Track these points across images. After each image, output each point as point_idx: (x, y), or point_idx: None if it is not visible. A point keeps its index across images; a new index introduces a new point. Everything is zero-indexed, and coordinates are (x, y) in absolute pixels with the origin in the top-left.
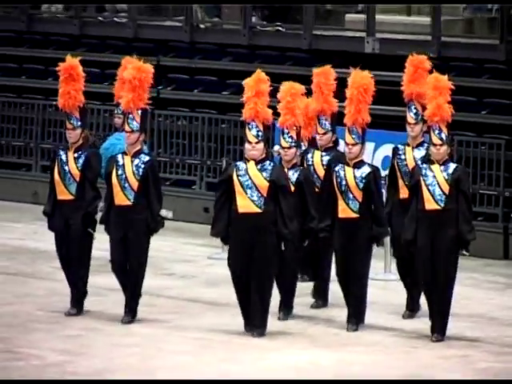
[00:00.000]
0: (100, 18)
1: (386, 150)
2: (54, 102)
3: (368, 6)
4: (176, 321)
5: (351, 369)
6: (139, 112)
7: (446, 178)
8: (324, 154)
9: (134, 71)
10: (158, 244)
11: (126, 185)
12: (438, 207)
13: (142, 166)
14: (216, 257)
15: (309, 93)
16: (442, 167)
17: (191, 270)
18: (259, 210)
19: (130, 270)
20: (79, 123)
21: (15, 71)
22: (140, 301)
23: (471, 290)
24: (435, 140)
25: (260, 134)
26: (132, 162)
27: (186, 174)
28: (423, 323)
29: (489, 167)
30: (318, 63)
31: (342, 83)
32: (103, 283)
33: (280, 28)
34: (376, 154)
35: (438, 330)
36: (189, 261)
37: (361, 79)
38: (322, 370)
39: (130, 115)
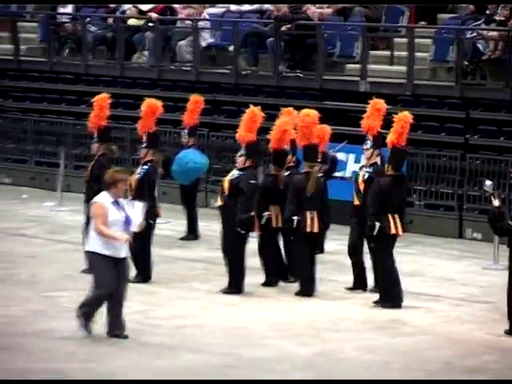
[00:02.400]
0: (172, 67)
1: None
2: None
3: (362, 58)
4: (226, 281)
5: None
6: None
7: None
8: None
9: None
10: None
11: None
12: None
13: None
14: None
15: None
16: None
17: None
18: None
19: None
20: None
21: (112, 105)
22: (202, 265)
23: (435, 260)
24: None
25: None
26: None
27: None
28: None
29: (448, 172)
30: (326, 99)
31: (342, 113)
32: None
33: (299, 74)
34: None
35: None
36: None
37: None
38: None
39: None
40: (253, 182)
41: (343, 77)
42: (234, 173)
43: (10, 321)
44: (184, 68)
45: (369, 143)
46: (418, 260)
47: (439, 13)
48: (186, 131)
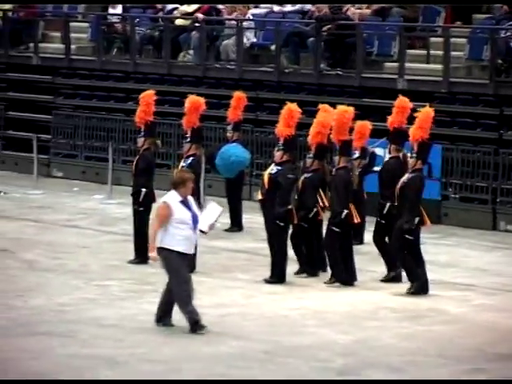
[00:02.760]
0: (217, 65)
1: None
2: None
3: (400, 56)
4: (268, 271)
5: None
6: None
7: None
8: None
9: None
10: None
11: None
12: None
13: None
14: None
15: (358, 116)
16: None
17: None
18: None
19: None
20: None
21: (159, 102)
22: (245, 256)
23: (469, 251)
24: None
25: None
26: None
27: None
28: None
29: (483, 167)
30: (365, 96)
31: (381, 110)
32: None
33: (339, 72)
34: None
35: None
36: None
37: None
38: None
39: None
40: (291, 176)
41: (381, 75)
42: (273, 167)
43: (62, 309)
44: (228, 66)
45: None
46: (453, 251)
47: (474, 13)
48: (231, 126)
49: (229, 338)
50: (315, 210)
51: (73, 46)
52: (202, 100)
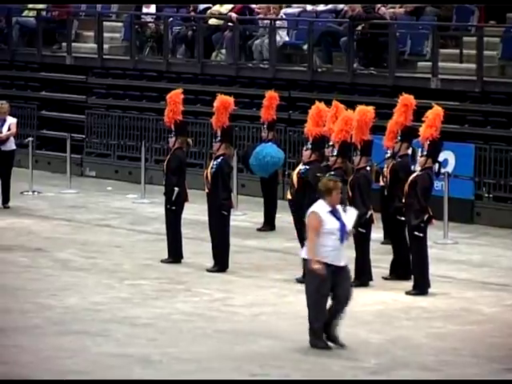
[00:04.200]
0: (250, 65)
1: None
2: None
3: (433, 56)
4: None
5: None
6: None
7: None
8: None
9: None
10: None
11: None
12: None
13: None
14: None
15: (390, 116)
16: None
17: None
18: None
19: None
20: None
21: (192, 101)
22: (277, 255)
23: (502, 250)
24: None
25: None
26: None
27: None
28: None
29: None
30: (398, 96)
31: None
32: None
33: (372, 71)
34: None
35: None
36: None
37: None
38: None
39: None
40: (319, 175)
41: (414, 74)
42: (301, 167)
43: (95, 308)
44: (261, 66)
45: (398, 138)
46: (486, 251)
47: (508, 12)
48: (265, 126)
49: (261, 337)
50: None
51: (106, 46)
52: (231, 99)
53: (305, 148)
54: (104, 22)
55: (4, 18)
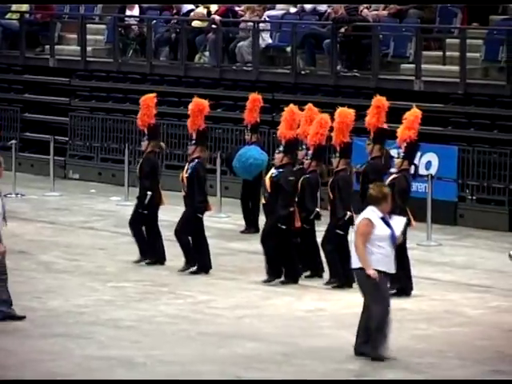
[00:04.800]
0: (233, 67)
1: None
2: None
3: (416, 58)
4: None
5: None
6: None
7: None
8: None
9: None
10: None
11: None
12: None
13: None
14: None
15: None
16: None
17: None
18: None
19: None
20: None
21: (175, 104)
22: (261, 258)
23: (485, 252)
24: None
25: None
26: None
27: None
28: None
29: (499, 168)
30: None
31: (397, 111)
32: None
33: (356, 73)
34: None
35: None
36: None
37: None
38: None
39: None
40: (291, 178)
41: (398, 76)
42: (274, 171)
43: (79, 310)
44: (244, 68)
45: (370, 139)
46: (469, 252)
47: (491, 14)
48: (248, 128)
49: (245, 339)
50: (316, 211)
51: (89, 48)
52: (206, 102)
53: (277, 151)
54: (87, 25)
55: None
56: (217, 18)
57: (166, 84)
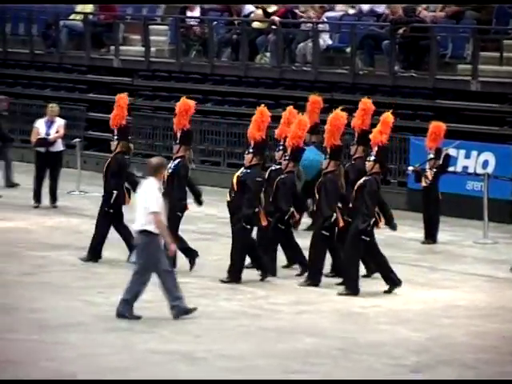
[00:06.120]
0: (293, 67)
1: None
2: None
3: (473, 59)
4: None
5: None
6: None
7: None
8: None
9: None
10: None
11: None
12: None
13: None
14: None
15: (431, 117)
16: None
17: None
18: None
19: None
20: None
21: (236, 103)
22: None
23: None
24: None
25: None
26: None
27: None
28: None
29: None
30: (438, 98)
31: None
32: None
33: (413, 74)
34: (479, 159)
35: None
36: None
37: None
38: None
39: None
40: (259, 179)
41: (455, 76)
42: (242, 170)
43: (142, 305)
44: (304, 68)
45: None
46: None
47: None
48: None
49: (303, 334)
50: (291, 211)
51: (152, 49)
52: (192, 103)
53: (246, 152)
54: (150, 26)
55: (52, 22)
56: (276, 19)
57: (227, 84)
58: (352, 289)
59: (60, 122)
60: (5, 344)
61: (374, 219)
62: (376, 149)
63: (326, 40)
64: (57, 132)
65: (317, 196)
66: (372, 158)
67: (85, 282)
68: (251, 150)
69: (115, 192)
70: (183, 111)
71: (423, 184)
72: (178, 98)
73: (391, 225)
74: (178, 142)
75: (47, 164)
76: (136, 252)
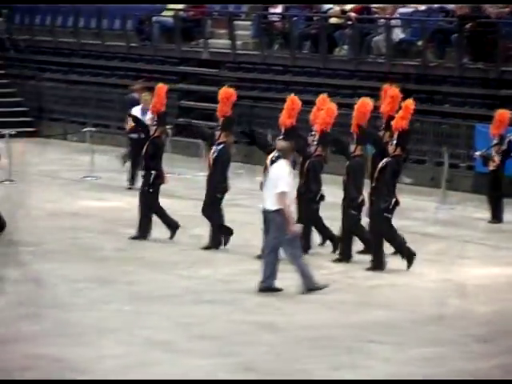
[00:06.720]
0: (368, 59)
1: None
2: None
3: None
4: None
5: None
6: None
7: None
8: None
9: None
10: None
11: None
12: None
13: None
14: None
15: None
16: None
17: None
18: None
19: None
20: None
21: (314, 92)
22: None
23: None
24: None
25: None
26: None
27: None
28: None
29: None
30: (503, 88)
31: None
32: None
33: (480, 65)
34: None
35: None
36: None
37: None
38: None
39: None
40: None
41: None
42: (274, 153)
43: (227, 279)
44: (379, 60)
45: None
46: None
47: None
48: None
49: (377, 307)
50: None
51: (238, 42)
52: (233, 91)
53: (278, 138)
54: (235, 21)
55: (146, 18)
56: (352, 15)
57: (306, 75)
58: (379, 266)
59: None
60: (103, 314)
61: (394, 199)
62: (397, 133)
63: (398, 34)
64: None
65: (345, 177)
66: (394, 141)
67: (175, 257)
68: (283, 136)
69: (153, 172)
70: (225, 99)
71: (490, 167)
72: (261, 88)
73: None
74: (220, 128)
75: (141, 149)
76: (271, 230)
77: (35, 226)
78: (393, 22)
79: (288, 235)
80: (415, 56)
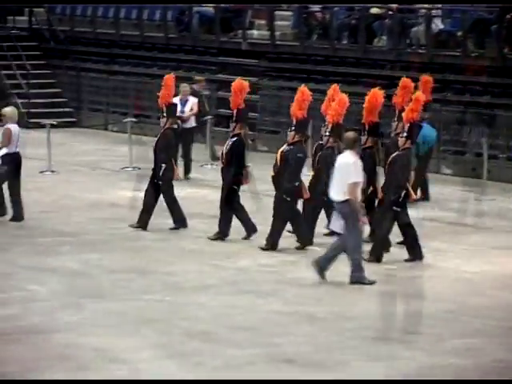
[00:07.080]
0: (408, 50)
1: None
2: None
3: None
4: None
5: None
6: None
7: None
8: None
9: None
10: None
11: None
12: None
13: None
14: None
15: None
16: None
17: None
18: None
19: None
20: None
21: (354, 83)
22: (430, 224)
23: None
24: None
25: None
26: None
27: None
28: None
29: None
30: None
31: None
32: None
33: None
34: None
35: None
36: None
37: None
38: None
39: None
40: (300, 155)
41: None
42: (285, 147)
43: (266, 269)
44: (419, 51)
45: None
46: None
47: None
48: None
49: (416, 297)
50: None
51: (277, 33)
52: (245, 83)
53: (289, 129)
54: (275, 12)
55: (186, 9)
56: (394, 5)
57: (345, 65)
58: (417, 256)
59: (194, 101)
60: (142, 304)
61: (404, 191)
62: (408, 125)
63: (438, 24)
64: (191, 110)
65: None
66: (404, 134)
67: (214, 248)
68: (293, 128)
69: (163, 165)
70: (238, 91)
71: None
72: (300, 78)
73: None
74: (234, 120)
75: (181, 139)
76: (344, 228)
77: (75, 216)
78: (433, 12)
79: (359, 224)
80: (455, 47)
